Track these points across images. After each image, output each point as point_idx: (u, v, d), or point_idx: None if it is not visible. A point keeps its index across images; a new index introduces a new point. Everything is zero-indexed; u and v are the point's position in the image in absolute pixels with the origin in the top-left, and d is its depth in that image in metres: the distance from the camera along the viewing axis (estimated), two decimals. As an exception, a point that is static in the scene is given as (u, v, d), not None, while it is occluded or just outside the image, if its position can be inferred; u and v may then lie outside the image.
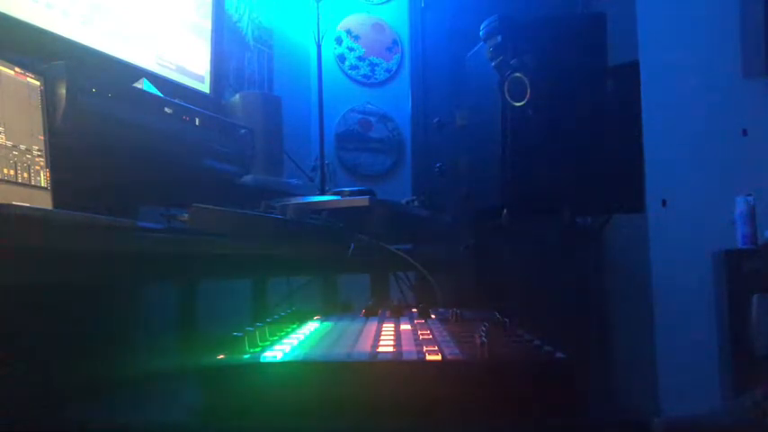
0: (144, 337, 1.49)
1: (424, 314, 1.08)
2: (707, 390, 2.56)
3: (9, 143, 0.95)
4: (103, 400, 0.81)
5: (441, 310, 1.18)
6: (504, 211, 1.83)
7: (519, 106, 1.74)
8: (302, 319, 1.04)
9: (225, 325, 0.87)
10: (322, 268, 1.81)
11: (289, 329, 0.93)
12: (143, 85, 1.40)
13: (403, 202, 2.23)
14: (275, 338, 0.85)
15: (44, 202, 1.01)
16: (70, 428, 0.72)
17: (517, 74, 1.73)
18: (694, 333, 2.69)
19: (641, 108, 1.91)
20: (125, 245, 0.85)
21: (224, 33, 1.95)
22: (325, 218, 1.46)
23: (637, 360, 2.90)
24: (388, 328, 0.94)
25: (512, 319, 0.99)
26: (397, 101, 3.37)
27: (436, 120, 2.28)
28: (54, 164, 1.03)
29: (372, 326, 0.96)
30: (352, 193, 1.66)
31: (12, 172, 0.95)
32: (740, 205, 2.57)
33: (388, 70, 3.37)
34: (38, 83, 1.03)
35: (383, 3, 3.40)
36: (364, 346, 0.79)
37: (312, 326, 0.98)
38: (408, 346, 0.78)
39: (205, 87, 1.79)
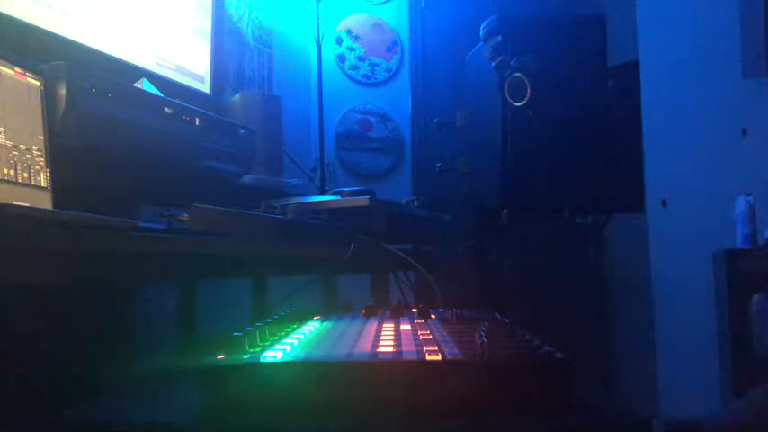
0: (144, 337, 1.49)
1: (423, 314, 1.08)
2: (707, 390, 2.56)
3: (9, 143, 0.95)
4: (103, 400, 0.81)
5: (441, 310, 1.18)
6: (504, 211, 1.83)
7: (519, 106, 1.74)
8: (302, 319, 1.04)
9: (225, 325, 0.87)
10: (322, 268, 1.81)
11: (289, 329, 0.93)
12: (143, 85, 1.40)
13: (403, 202, 2.23)
14: (275, 338, 0.85)
15: (44, 202, 1.01)
16: (70, 428, 0.72)
17: (517, 74, 1.73)
18: (694, 333, 2.69)
19: (641, 108, 1.91)
20: (125, 245, 0.85)
21: (224, 33, 1.96)
22: (325, 218, 1.46)
23: (637, 360, 2.91)
24: (388, 328, 0.94)
25: (512, 319, 0.99)
26: (397, 101, 3.37)
27: (436, 120, 2.28)
28: (54, 164, 1.03)
29: (372, 326, 0.96)
30: (352, 193, 1.66)
31: (12, 172, 0.95)
32: (740, 205, 2.57)
33: (388, 70, 3.37)
34: (38, 83, 1.03)
35: (383, 3, 3.40)
36: (364, 346, 0.79)
37: (312, 326, 0.98)
38: (408, 346, 0.77)
39: (205, 87, 1.79)
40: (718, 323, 2.57)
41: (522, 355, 0.75)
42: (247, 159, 1.68)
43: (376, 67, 3.36)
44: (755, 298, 2.36)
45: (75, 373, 1.11)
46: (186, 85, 1.69)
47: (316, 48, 2.63)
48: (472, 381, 0.69)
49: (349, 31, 3.33)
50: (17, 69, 1.00)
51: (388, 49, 3.38)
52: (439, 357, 0.71)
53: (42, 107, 1.04)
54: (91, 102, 1.13)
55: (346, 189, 1.74)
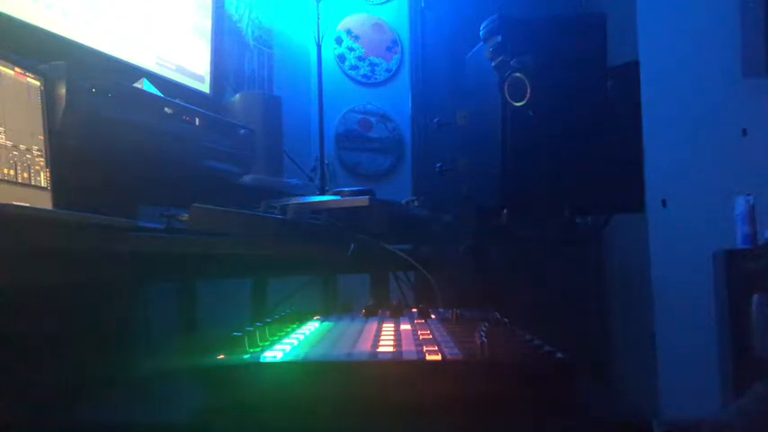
0: (144, 337, 1.49)
1: (424, 314, 1.08)
2: (707, 390, 2.56)
3: (9, 143, 0.95)
4: (104, 400, 0.81)
5: (441, 310, 1.18)
6: (504, 211, 1.83)
7: (519, 106, 1.74)
8: (302, 319, 1.04)
9: (225, 325, 0.87)
10: (322, 268, 1.81)
11: (289, 329, 0.93)
12: (143, 85, 1.40)
13: (403, 202, 2.23)
14: (275, 338, 0.85)
15: (44, 202, 1.01)
16: (70, 428, 0.72)
17: (517, 74, 1.73)
18: (694, 333, 2.69)
19: (641, 108, 1.91)
20: (125, 245, 0.85)
21: (224, 33, 1.96)
22: (325, 218, 1.46)
23: (637, 360, 2.90)
24: (388, 328, 0.94)
25: (512, 319, 0.99)
26: (397, 101, 3.37)
27: (436, 120, 2.28)
28: (54, 164, 1.03)
29: (372, 326, 0.96)
30: (352, 193, 1.66)
31: (12, 172, 0.95)
32: (740, 205, 2.57)
33: (387, 70, 3.37)
34: (38, 83, 1.03)
35: (383, 3, 3.40)
36: (364, 346, 0.79)
37: (312, 326, 0.98)
38: (408, 346, 0.77)
39: (205, 87, 1.79)
40: (717, 323, 2.57)
41: (522, 356, 0.75)
42: (247, 159, 1.68)
43: (376, 67, 3.36)
44: (755, 298, 2.36)
45: (76, 372, 1.11)
46: (186, 85, 1.69)
47: (316, 48, 2.63)
48: (472, 381, 0.69)
49: (349, 31, 3.33)
50: (17, 69, 1.00)
51: (388, 48, 3.38)
52: (439, 357, 0.71)
53: (42, 107, 1.04)
54: (91, 102, 1.13)
55: (346, 189, 1.74)
